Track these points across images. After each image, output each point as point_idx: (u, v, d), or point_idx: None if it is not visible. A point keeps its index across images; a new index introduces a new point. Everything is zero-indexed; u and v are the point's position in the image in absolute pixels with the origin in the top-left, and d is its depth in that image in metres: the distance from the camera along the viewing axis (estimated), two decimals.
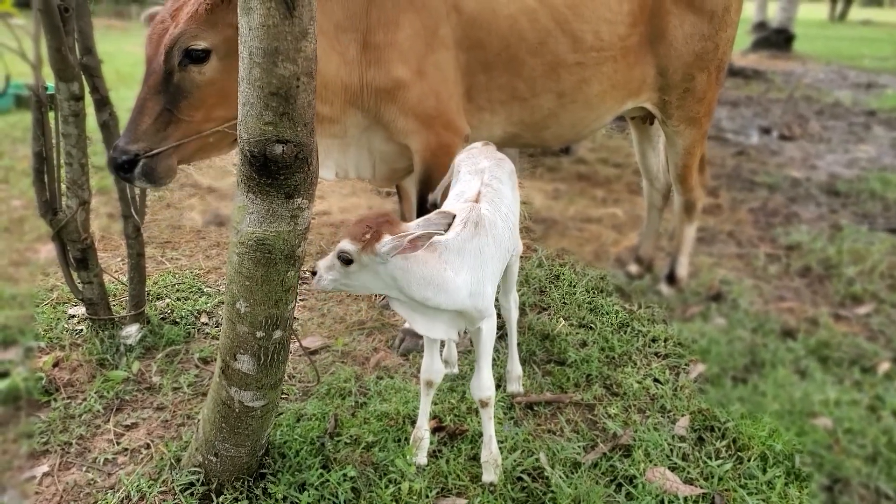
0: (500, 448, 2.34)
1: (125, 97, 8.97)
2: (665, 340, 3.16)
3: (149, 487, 2.09)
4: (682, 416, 2.63)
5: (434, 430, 2.44)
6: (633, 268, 3.86)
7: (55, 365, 2.72)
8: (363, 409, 2.54)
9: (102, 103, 2.81)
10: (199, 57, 2.20)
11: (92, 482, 2.15)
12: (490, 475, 2.19)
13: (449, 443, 2.41)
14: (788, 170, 6.44)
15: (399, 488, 2.10)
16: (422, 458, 2.26)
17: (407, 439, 2.35)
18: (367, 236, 1.77)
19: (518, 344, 3.04)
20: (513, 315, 2.70)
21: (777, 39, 15.56)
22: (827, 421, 2.62)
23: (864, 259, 4.17)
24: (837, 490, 2.33)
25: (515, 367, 2.73)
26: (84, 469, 2.22)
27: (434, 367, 2.26)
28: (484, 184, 2.22)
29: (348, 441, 2.34)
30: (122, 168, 2.25)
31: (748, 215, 5.13)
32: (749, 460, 2.38)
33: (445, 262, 1.90)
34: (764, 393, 2.77)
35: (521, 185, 5.66)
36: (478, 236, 2.00)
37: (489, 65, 2.80)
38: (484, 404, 2.20)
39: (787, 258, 4.24)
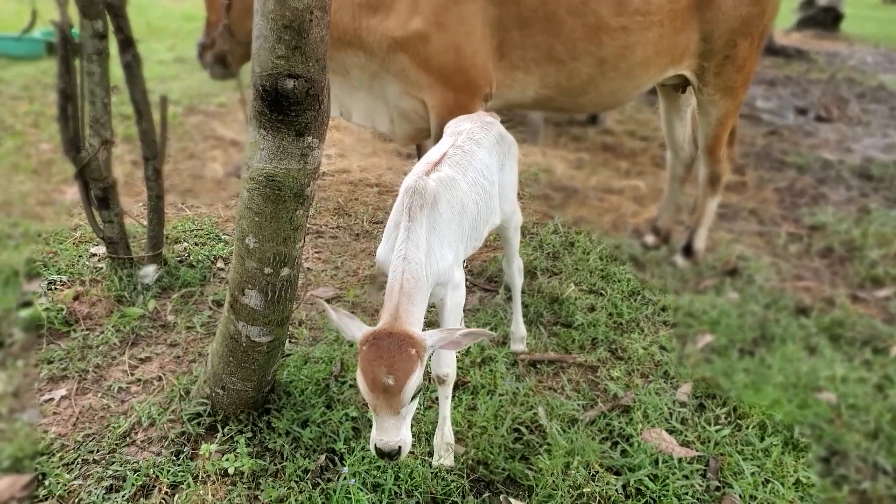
0: (500, 400, 2.38)
1: (155, 49, 9.05)
2: (675, 310, 3.16)
3: (159, 415, 2.17)
4: (685, 382, 2.64)
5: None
6: (650, 238, 3.84)
7: (75, 298, 2.80)
8: None
9: (126, 44, 2.84)
10: None
11: (106, 407, 2.24)
12: (442, 459, 2.08)
13: (452, 392, 2.45)
14: (821, 151, 6.29)
15: None
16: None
17: None
18: (414, 351, 1.67)
19: (526, 305, 3.08)
20: (516, 281, 2.71)
21: (824, 18, 15.04)
22: (831, 396, 2.60)
23: (889, 243, 4.09)
24: (835, 462, 2.33)
25: (519, 328, 2.75)
26: (99, 395, 2.30)
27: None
28: (455, 146, 2.16)
29: (353, 384, 2.40)
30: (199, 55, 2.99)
31: (773, 194, 5.04)
32: (748, 428, 2.39)
33: (425, 276, 1.81)
34: (770, 366, 2.76)
35: (542, 153, 5.64)
36: (432, 207, 1.88)
37: (524, 21, 2.73)
38: (441, 381, 2.08)
39: (809, 238, 4.18)
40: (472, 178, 2.11)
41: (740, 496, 2.11)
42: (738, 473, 2.19)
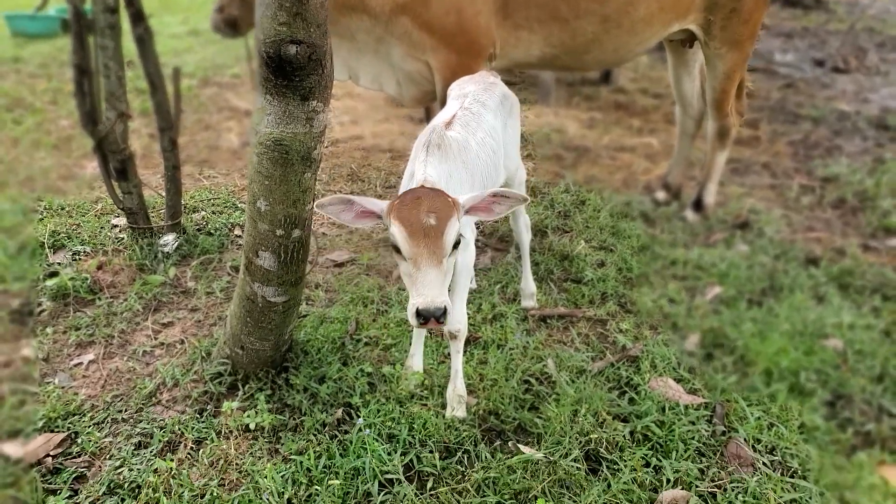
0: (510, 354, 2.46)
1: (168, 23, 9.07)
2: (685, 263, 3.19)
3: (182, 376, 2.28)
4: (693, 333, 2.69)
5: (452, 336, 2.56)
6: (661, 194, 3.85)
7: (99, 268, 2.90)
8: (384, 315, 2.67)
9: (138, 17, 2.89)
10: None
11: (132, 370, 2.35)
12: (454, 410, 2.14)
13: (464, 347, 2.52)
14: (837, 103, 6.20)
15: (412, 383, 2.23)
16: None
17: (424, 344, 2.47)
18: (451, 199, 1.72)
19: (536, 263, 3.13)
20: (524, 238, 2.76)
21: None
22: (837, 342, 2.64)
23: None
24: (840, 406, 2.38)
25: (529, 285, 2.81)
26: (125, 359, 2.41)
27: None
28: (463, 107, 2.19)
29: (367, 342, 2.48)
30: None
31: (787, 148, 5.00)
32: (754, 375, 2.44)
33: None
34: (777, 315, 2.80)
35: (554, 113, 5.63)
36: (445, 159, 1.91)
37: None
38: (453, 337, 2.14)
39: (821, 190, 4.16)
40: (480, 138, 2.14)
41: (745, 440, 2.17)
42: (743, 419, 2.25)
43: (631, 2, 2.85)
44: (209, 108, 5.59)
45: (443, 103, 2.76)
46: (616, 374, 2.40)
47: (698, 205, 3.64)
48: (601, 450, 2.04)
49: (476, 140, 2.11)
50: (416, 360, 2.33)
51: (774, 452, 2.15)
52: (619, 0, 2.83)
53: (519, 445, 2.03)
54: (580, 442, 2.05)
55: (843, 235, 3.62)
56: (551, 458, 1.96)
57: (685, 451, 2.08)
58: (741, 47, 3.20)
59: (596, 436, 2.06)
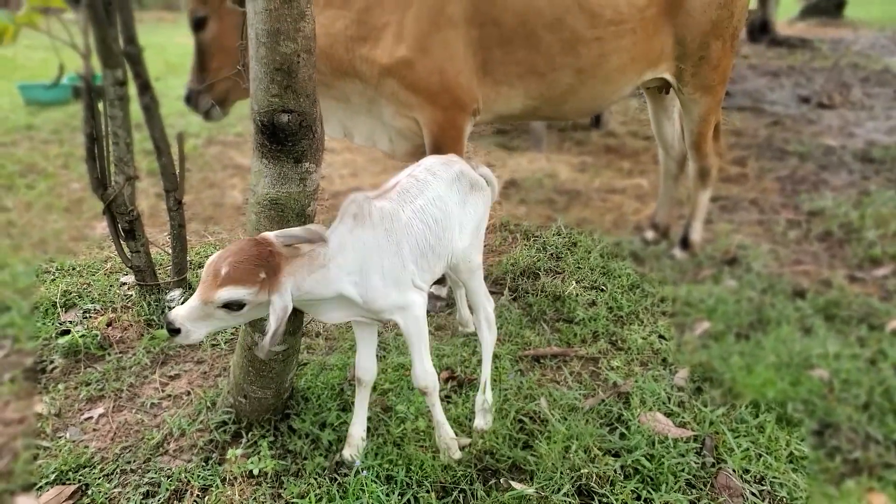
0: (504, 395, 2.54)
1: (174, 86, 9.42)
2: (673, 300, 3.29)
3: (188, 426, 2.37)
4: (683, 368, 2.77)
5: (447, 380, 2.66)
6: (650, 234, 3.97)
7: (109, 325, 3.03)
8: (382, 361, 2.77)
9: (144, 88, 3.08)
10: (201, 25, 2.98)
11: (140, 421, 2.45)
12: (449, 452, 2.20)
13: (459, 390, 2.62)
14: (823, 138, 6.37)
15: (406, 427, 2.32)
16: (357, 459, 2.17)
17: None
18: (263, 276, 1.70)
19: (529, 304, 3.23)
20: (485, 337, 2.46)
21: (826, 6, 15.07)
22: (823, 372, 2.72)
23: (887, 222, 4.18)
24: (827, 434, 2.44)
25: (486, 397, 2.41)
26: (134, 411, 2.51)
27: (363, 365, 2.22)
28: (410, 174, 2.17)
29: None
30: (188, 100, 3.14)
31: (774, 184, 5.14)
32: (742, 407, 2.51)
33: (327, 260, 1.86)
34: (764, 347, 2.88)
35: (546, 159, 5.79)
36: (358, 228, 1.92)
37: (505, 40, 2.93)
38: (423, 393, 2.15)
39: (808, 223, 4.28)
40: (419, 206, 2.10)
41: (734, 471, 2.23)
42: (731, 450, 2.32)
43: (604, 54, 3.02)
44: (214, 167, 5.80)
45: (432, 154, 2.91)
46: (607, 411, 2.48)
47: (685, 243, 3.76)
48: (592, 484, 2.11)
49: (413, 208, 2.08)
50: (356, 427, 2.23)
51: (763, 482, 2.21)
52: (592, 53, 3.00)
53: (511, 482, 2.10)
54: (572, 477, 2.12)
55: (829, 267, 3.72)
56: (543, 494, 2.04)
57: (675, 484, 2.15)
58: (713, 92, 3.37)
59: (587, 471, 2.13)
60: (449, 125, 2.83)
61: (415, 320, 2.06)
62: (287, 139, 1.85)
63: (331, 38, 2.72)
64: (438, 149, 2.86)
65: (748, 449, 2.31)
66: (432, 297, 3.24)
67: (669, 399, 2.57)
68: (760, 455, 2.30)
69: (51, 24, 2.85)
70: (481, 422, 2.38)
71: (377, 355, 2.79)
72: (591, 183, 5.18)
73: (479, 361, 2.78)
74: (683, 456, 2.25)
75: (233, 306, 1.72)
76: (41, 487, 2.11)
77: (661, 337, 3.00)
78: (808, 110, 7.51)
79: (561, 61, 3.00)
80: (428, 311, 3.18)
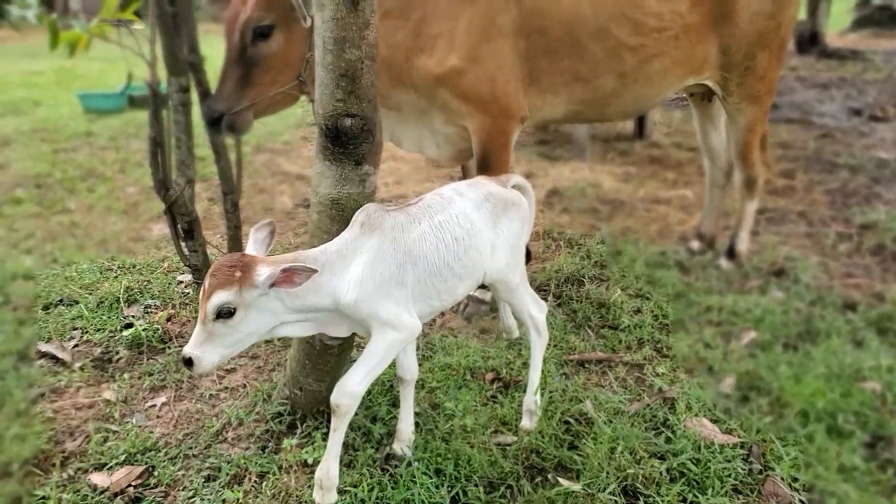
0: (550, 397, 2.58)
1: None
2: (719, 310, 3.29)
3: (245, 416, 2.47)
4: (729, 376, 2.77)
5: (492, 381, 2.72)
6: (695, 244, 3.97)
7: (168, 320, 3.17)
8: (429, 360, 2.84)
9: (205, 94, 3.23)
10: (265, 33, 2.73)
11: (200, 411, 2.56)
12: (315, 490, 2.05)
13: (504, 391, 2.67)
14: (876, 151, 6.24)
15: (453, 423, 2.38)
16: (408, 451, 2.22)
17: (467, 386, 2.63)
18: (238, 273, 1.75)
19: (574, 311, 3.27)
20: (534, 341, 2.47)
21: (880, 17, 14.73)
22: (876, 384, 2.69)
23: None
24: (880, 447, 2.42)
25: (535, 398, 2.44)
26: (194, 401, 2.63)
27: (405, 365, 2.24)
28: (436, 192, 2.17)
29: (415, 386, 2.64)
30: (212, 123, 2.83)
31: (824, 196, 5.07)
32: (790, 416, 2.50)
33: (321, 267, 1.87)
34: (813, 358, 2.86)
35: (589, 169, 5.81)
36: (364, 236, 1.94)
37: (551, 50, 2.99)
38: (333, 410, 1.99)
39: (859, 237, 4.21)
40: (438, 221, 2.07)
41: (782, 479, 2.23)
42: (779, 458, 2.31)
43: (645, 59, 3.06)
44: (263, 173, 5.98)
45: (482, 162, 2.98)
46: (652, 415, 2.50)
47: (731, 253, 3.74)
48: (638, 485, 2.14)
49: (431, 223, 2.05)
50: (404, 423, 2.24)
51: (813, 491, 2.20)
52: (634, 58, 3.05)
53: (559, 478, 2.14)
54: (618, 477, 2.15)
55: (882, 281, 3.66)
56: (589, 491, 2.07)
57: (721, 488, 2.16)
58: (760, 102, 3.38)
59: (633, 471, 2.16)
60: (497, 132, 2.90)
61: (390, 341, 1.97)
62: (349, 142, 1.94)
63: (392, 48, 2.79)
64: (486, 155, 2.93)
65: (797, 458, 2.31)
66: (477, 301, 3.31)
67: (715, 406, 2.57)
68: (810, 464, 2.29)
69: (120, 36, 3.01)
70: (527, 423, 2.43)
71: (424, 355, 2.87)
72: (634, 193, 5.19)
73: (524, 364, 2.83)
74: (730, 461, 2.26)
75: (224, 314, 1.75)
76: (111, 467, 2.23)
77: (706, 345, 3.01)
78: (859, 123, 7.36)
79: (605, 68, 3.06)
80: (472, 315, 3.26)
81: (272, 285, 1.77)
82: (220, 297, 1.74)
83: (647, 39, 3.05)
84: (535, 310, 2.46)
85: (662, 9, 3.03)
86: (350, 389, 1.97)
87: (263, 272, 1.75)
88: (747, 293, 3.48)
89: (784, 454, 2.31)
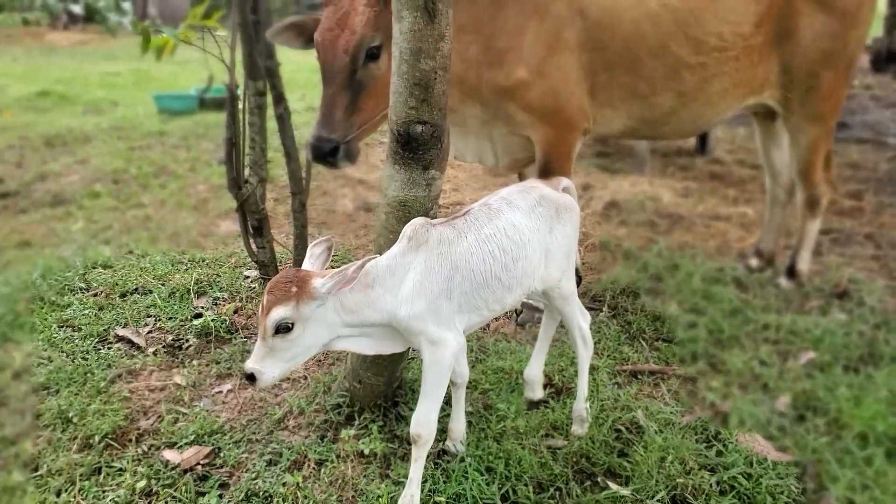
0: (601, 405, 2.61)
1: (288, 100, 9.96)
2: (777, 328, 3.25)
3: (306, 405, 2.59)
4: (784, 394, 2.75)
5: (544, 386, 2.76)
6: (754, 261, 3.93)
7: (235, 312, 3.33)
8: (482, 363, 2.91)
9: (279, 99, 3.39)
10: (375, 54, 2.61)
11: (263, 399, 2.69)
12: None
13: (556, 397, 2.72)
14: None
15: (505, 424, 2.44)
16: (460, 447, 2.31)
17: (519, 390, 2.68)
18: (294, 289, 1.79)
19: (628, 322, 3.29)
20: (581, 353, 2.48)
21: None
22: None
23: None
24: None
25: (584, 406, 2.47)
26: (258, 390, 2.76)
27: (456, 369, 2.25)
28: (483, 203, 2.17)
29: (468, 386, 2.71)
30: (329, 154, 2.65)
31: (893, 219, 4.92)
32: (848, 438, 2.47)
33: (373, 281, 1.93)
34: (875, 381, 2.80)
35: (649, 182, 5.78)
36: (411, 252, 1.97)
37: (611, 65, 3.02)
38: (413, 440, 2.04)
39: None
40: (486, 234, 2.07)
41: (837, 499, 2.21)
42: (835, 479, 2.29)
43: (705, 78, 3.06)
44: (326, 177, 6.16)
45: (543, 172, 3.03)
46: (704, 428, 2.50)
47: (791, 272, 3.69)
48: (687, 495, 2.16)
49: (477, 236, 2.06)
50: (456, 422, 2.29)
51: None
52: (694, 78, 3.05)
53: (608, 482, 2.18)
54: (667, 486, 2.17)
55: None
56: (638, 497, 2.10)
57: None
58: (823, 121, 3.34)
59: (682, 481, 2.18)
60: (560, 143, 2.96)
61: (439, 360, 2.00)
62: (419, 148, 2.04)
63: (465, 63, 2.84)
64: (549, 165, 2.99)
65: (853, 479, 2.28)
66: (531, 308, 3.36)
67: (769, 423, 2.56)
68: (867, 486, 2.26)
69: (204, 41, 3.19)
70: (578, 429, 2.47)
71: (478, 358, 2.94)
72: (694, 208, 5.14)
73: (577, 372, 2.86)
74: (783, 478, 2.25)
75: (282, 329, 1.80)
76: (181, 446, 2.38)
77: (762, 363, 2.98)
78: None
79: (663, 85, 3.07)
80: (526, 321, 3.32)
81: (329, 292, 1.83)
82: (279, 313, 1.79)
83: (708, 59, 3.05)
84: (583, 321, 2.47)
85: (724, 29, 3.03)
86: (425, 419, 2.02)
87: (318, 283, 1.82)
88: (807, 313, 3.43)
89: (840, 475, 2.29)
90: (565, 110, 2.94)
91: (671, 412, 2.59)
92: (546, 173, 3.03)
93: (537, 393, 2.63)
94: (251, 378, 1.84)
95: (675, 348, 3.07)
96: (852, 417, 2.56)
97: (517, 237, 2.11)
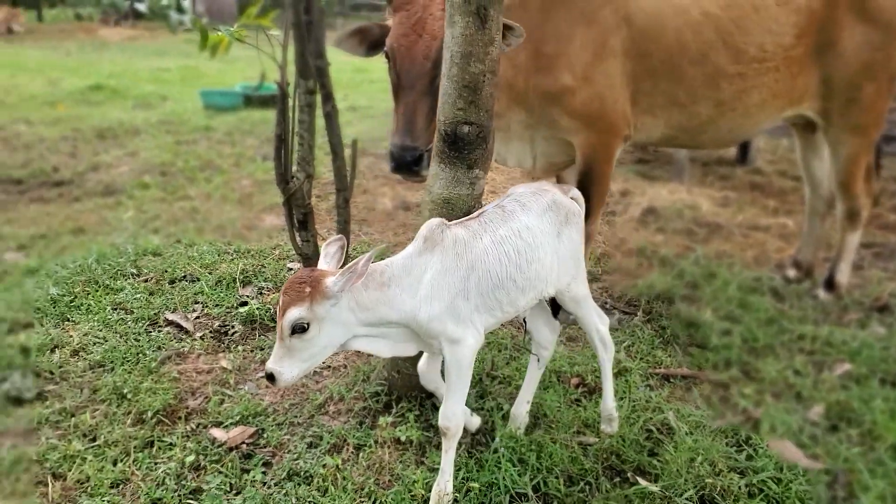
0: (633, 406, 2.66)
1: (336, 98, 10.12)
2: (813, 339, 3.25)
3: (346, 392, 2.69)
4: (818, 404, 2.76)
5: (576, 385, 2.82)
6: (792, 272, 3.92)
7: (278, 302, 3.44)
8: (517, 360, 2.98)
9: (327, 97, 3.49)
10: None
11: (305, 385, 2.80)
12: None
13: (588, 396, 2.77)
14: None
15: (537, 420, 2.50)
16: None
17: (553, 388, 2.74)
18: (308, 289, 1.81)
19: (662, 327, 3.32)
20: (601, 356, 2.48)
21: None
22: None
23: None
24: None
25: (607, 405, 2.52)
26: (277, 389, 2.86)
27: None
28: (497, 205, 2.19)
29: (502, 380, 2.79)
30: (413, 163, 2.61)
31: None
32: (881, 449, 2.48)
33: (388, 280, 1.95)
34: None
35: (688, 191, 5.77)
36: (427, 252, 1.99)
37: (653, 72, 3.07)
38: (442, 433, 2.10)
39: None
40: (501, 235, 2.08)
41: None
42: (866, 489, 2.31)
43: (744, 89, 3.08)
44: (366, 176, 6.29)
45: (584, 175, 3.08)
46: (735, 432, 2.53)
47: (830, 284, 3.68)
48: (716, 495, 2.19)
49: (492, 237, 2.07)
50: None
51: None
52: (733, 87, 3.07)
53: (638, 478, 2.23)
54: (695, 485, 2.21)
55: None
56: (667, 494, 2.15)
57: None
58: (864, 133, 3.33)
59: (711, 482, 2.22)
60: (602, 148, 3.01)
61: (460, 358, 2.03)
62: (464, 147, 2.12)
63: (514, 69, 2.91)
64: (590, 169, 3.04)
65: (884, 490, 2.29)
66: (566, 311, 3.40)
67: (801, 431, 2.58)
68: None
69: (257, 39, 3.31)
70: (607, 427, 2.52)
71: (513, 356, 3.01)
72: (732, 218, 5.13)
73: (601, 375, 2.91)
74: (813, 485, 2.27)
75: (298, 330, 1.82)
76: (227, 426, 2.50)
77: (796, 372, 2.99)
78: None
79: (702, 93, 3.10)
80: (561, 323, 3.36)
81: (342, 290, 1.84)
82: (294, 314, 1.81)
83: (747, 69, 3.07)
84: (601, 323, 2.47)
85: (765, 39, 3.04)
86: (451, 413, 2.07)
87: (336, 282, 1.83)
88: (845, 326, 3.42)
89: (872, 485, 2.30)
90: (609, 116, 2.99)
91: (702, 415, 2.62)
92: (586, 177, 3.09)
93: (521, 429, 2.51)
94: (271, 378, 1.88)
95: (708, 354, 3.10)
96: (887, 430, 2.56)
97: (530, 239, 2.13)
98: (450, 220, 2.16)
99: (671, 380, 2.92)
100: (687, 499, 2.15)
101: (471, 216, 2.16)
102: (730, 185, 6.01)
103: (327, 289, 1.82)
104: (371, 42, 2.89)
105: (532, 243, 2.12)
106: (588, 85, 2.93)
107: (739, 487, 2.23)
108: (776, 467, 2.33)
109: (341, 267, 1.96)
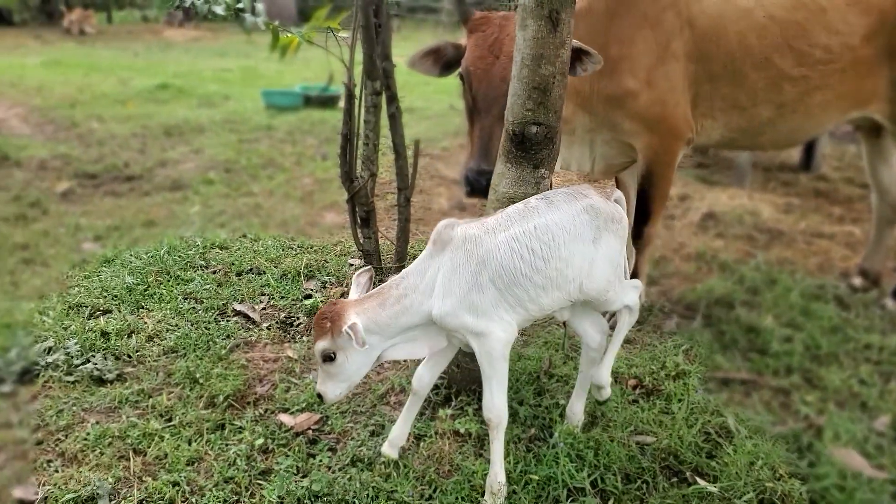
0: (691, 408, 2.66)
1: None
2: (880, 349, 3.18)
3: (407, 384, 2.77)
4: (885, 415, 2.70)
5: (634, 387, 2.83)
6: (857, 280, 3.83)
7: (342, 296, 3.55)
8: (573, 360, 3.00)
9: (391, 99, 3.60)
10: None
11: (367, 376, 2.85)
12: (489, 499, 2.14)
13: (646, 397, 2.78)
14: None
15: (596, 418, 2.53)
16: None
17: (611, 389, 2.76)
18: (328, 325, 1.97)
19: (721, 332, 3.30)
20: (624, 318, 2.38)
21: None
22: None
23: None
24: None
25: (601, 374, 2.42)
26: (325, 406, 2.94)
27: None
28: (524, 202, 2.16)
29: (559, 379, 2.83)
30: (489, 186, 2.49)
31: None
32: None
33: (405, 290, 2.05)
34: None
35: (749, 196, 5.68)
36: (437, 252, 2.05)
37: (714, 76, 3.05)
38: (487, 424, 2.15)
39: None
40: (515, 233, 2.05)
41: None
42: None
43: (807, 91, 3.04)
44: (422, 175, 6.36)
45: (645, 178, 3.09)
46: (796, 438, 2.51)
47: None
48: (776, 500, 2.19)
49: (506, 234, 2.05)
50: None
51: None
52: (795, 90, 3.03)
53: (696, 478, 2.24)
54: (755, 489, 2.21)
55: None
56: (726, 496, 2.15)
57: None
58: None
59: (771, 486, 2.21)
60: (664, 151, 3.02)
61: (489, 350, 2.06)
62: (531, 147, 2.17)
63: None
64: (652, 172, 3.05)
65: None
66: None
67: (866, 440, 2.54)
68: None
69: (327, 41, 3.43)
70: (597, 394, 2.46)
71: (569, 356, 3.04)
72: (795, 225, 5.03)
73: (668, 375, 2.92)
74: (877, 494, 2.24)
75: (328, 359, 2.03)
76: (294, 412, 2.61)
77: (861, 381, 2.93)
78: None
79: (763, 96, 3.07)
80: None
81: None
82: (320, 346, 2.01)
83: (811, 71, 3.02)
84: (629, 299, 2.34)
85: (832, 41, 2.99)
86: (491, 404, 2.11)
87: (350, 320, 1.97)
88: None
89: None
90: (671, 119, 3.00)
91: (762, 420, 2.61)
92: (648, 179, 3.10)
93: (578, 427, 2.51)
94: (320, 397, 2.11)
95: (768, 360, 3.07)
96: None
97: (548, 238, 2.06)
98: None
99: (730, 384, 2.90)
100: (746, 501, 2.15)
101: (491, 213, 2.21)
102: (793, 192, 5.88)
103: (344, 325, 1.96)
104: (445, 62, 2.91)
105: (551, 242, 2.06)
106: (651, 88, 2.94)
107: (801, 493, 2.22)
108: (839, 475, 2.30)
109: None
